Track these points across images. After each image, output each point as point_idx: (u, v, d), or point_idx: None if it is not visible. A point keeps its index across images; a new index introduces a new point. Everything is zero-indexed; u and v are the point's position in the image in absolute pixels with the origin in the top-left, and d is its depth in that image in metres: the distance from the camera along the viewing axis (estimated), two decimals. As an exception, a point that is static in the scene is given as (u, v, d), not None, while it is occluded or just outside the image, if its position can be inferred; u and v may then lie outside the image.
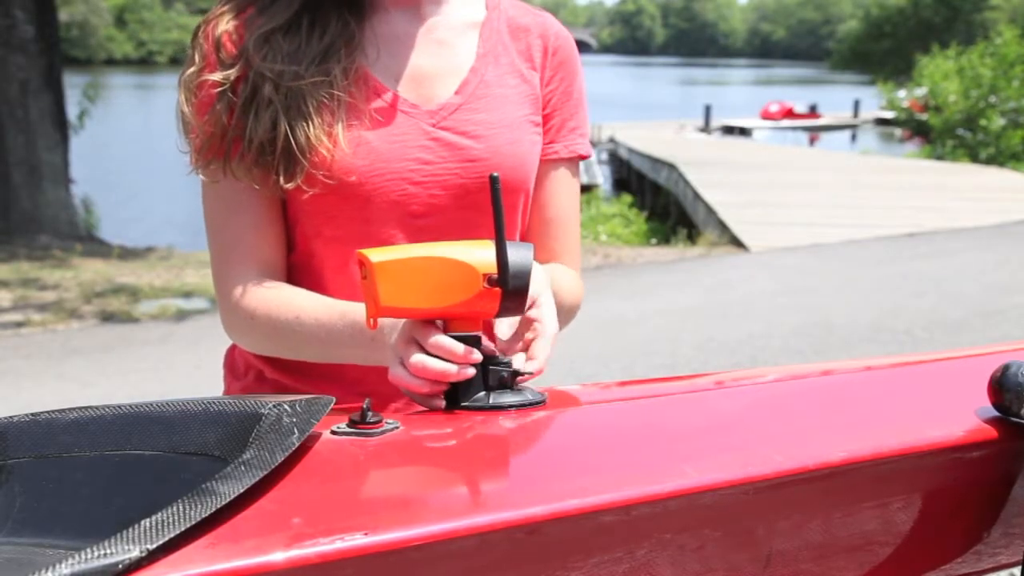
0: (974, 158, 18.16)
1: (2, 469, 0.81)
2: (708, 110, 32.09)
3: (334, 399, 0.86)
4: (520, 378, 0.97)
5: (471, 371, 0.94)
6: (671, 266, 8.72)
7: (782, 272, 8.09)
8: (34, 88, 9.68)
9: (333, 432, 0.85)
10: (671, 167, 15.25)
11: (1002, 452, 0.92)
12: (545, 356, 1.01)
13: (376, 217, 1.14)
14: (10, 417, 0.84)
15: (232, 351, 1.30)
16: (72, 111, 10.56)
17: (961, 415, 0.93)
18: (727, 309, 6.68)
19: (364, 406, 0.86)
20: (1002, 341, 1.37)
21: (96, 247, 9.83)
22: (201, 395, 0.89)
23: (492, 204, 0.93)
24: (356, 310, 1.08)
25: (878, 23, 47.80)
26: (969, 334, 5.73)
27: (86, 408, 0.83)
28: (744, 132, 31.82)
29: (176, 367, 5.28)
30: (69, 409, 0.84)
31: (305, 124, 1.09)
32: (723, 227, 10.14)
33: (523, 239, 1.24)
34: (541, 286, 1.03)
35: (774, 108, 35.19)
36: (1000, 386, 0.90)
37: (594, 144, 24.28)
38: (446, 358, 0.93)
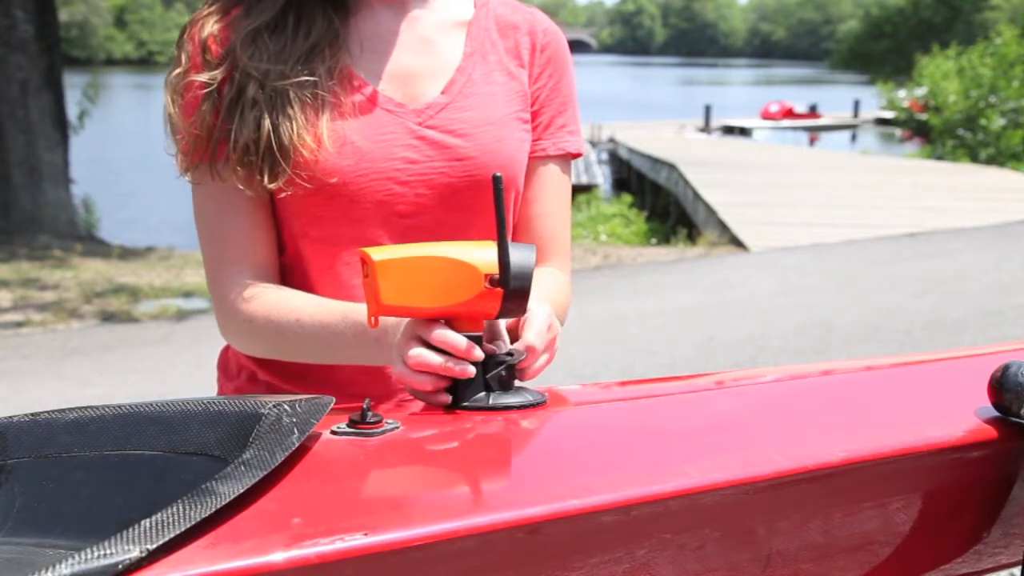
0: (974, 158, 18.15)
1: (2, 469, 0.81)
2: (708, 110, 32.09)
3: (334, 399, 0.86)
4: (519, 364, 0.97)
5: (472, 369, 0.94)
6: (671, 266, 8.72)
7: (782, 272, 8.09)
8: (34, 88, 9.68)
9: (333, 432, 0.85)
10: (671, 167, 15.25)
11: (1002, 452, 0.92)
12: (539, 338, 0.99)
13: (362, 217, 1.13)
14: (10, 417, 0.84)
15: (226, 352, 1.30)
16: (72, 111, 10.56)
17: (961, 415, 0.93)
18: (727, 309, 6.68)
19: (364, 406, 0.86)
20: (1002, 341, 1.37)
21: (96, 247, 9.83)
22: (201, 395, 0.89)
23: (495, 204, 0.93)
24: (358, 311, 1.07)
25: (878, 23, 47.85)
26: (969, 334, 5.73)
27: (86, 408, 0.83)
28: (744, 132, 31.82)
29: (176, 367, 5.28)
30: (69, 409, 0.84)
31: (289, 124, 1.09)
32: (723, 227, 10.14)
33: (512, 238, 1.24)
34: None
35: (774, 108, 35.18)
36: (1000, 386, 0.90)
37: (594, 144, 24.36)
38: (449, 352, 0.93)
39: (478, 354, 0.94)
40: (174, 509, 0.63)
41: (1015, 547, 0.96)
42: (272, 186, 1.10)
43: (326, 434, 0.84)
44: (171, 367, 5.30)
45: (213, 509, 0.64)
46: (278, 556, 0.61)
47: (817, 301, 6.87)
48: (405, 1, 1.20)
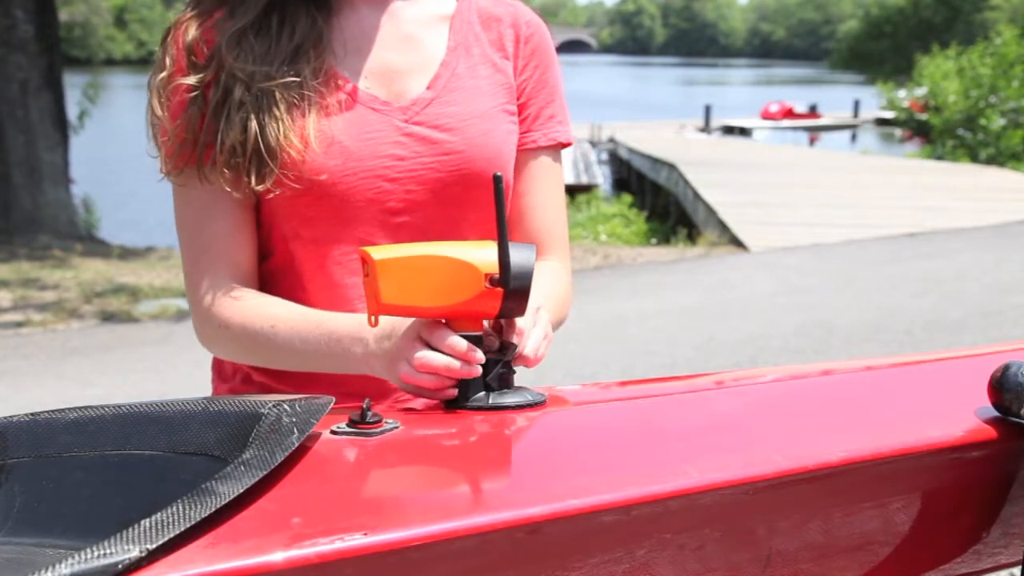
0: (974, 158, 18.15)
1: (2, 469, 0.81)
2: (708, 110, 32.10)
3: (333, 399, 0.86)
4: (515, 356, 0.97)
5: (478, 369, 0.94)
6: (671, 266, 8.72)
7: (782, 272, 8.09)
8: (34, 88, 9.68)
9: (333, 432, 0.85)
10: (671, 167, 15.25)
11: (1002, 452, 0.92)
12: (530, 330, 0.99)
13: (353, 216, 1.13)
14: (10, 417, 0.84)
15: None
16: (72, 111, 10.56)
17: (961, 415, 0.93)
18: (727, 309, 6.68)
19: (364, 406, 0.86)
20: (1002, 341, 1.37)
21: (96, 247, 9.83)
22: (201, 395, 0.89)
23: (495, 204, 0.93)
24: (333, 320, 1.08)
25: (878, 23, 47.82)
26: (969, 334, 5.73)
27: (86, 408, 0.83)
28: (744, 132, 31.83)
29: (176, 367, 5.28)
30: (69, 409, 0.84)
31: (275, 125, 1.09)
32: (723, 227, 10.14)
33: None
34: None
35: (774, 108, 35.20)
36: (1000, 386, 0.90)
37: (594, 144, 24.36)
38: (453, 356, 0.94)
39: (479, 356, 0.94)
40: (174, 509, 0.63)
41: (1015, 547, 0.96)
42: (259, 188, 1.09)
43: (326, 434, 0.84)
44: (171, 367, 5.30)
45: (213, 509, 0.64)
46: (278, 556, 0.61)
47: (817, 301, 6.87)
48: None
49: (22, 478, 0.80)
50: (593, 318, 6.18)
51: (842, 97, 42.34)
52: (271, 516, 0.67)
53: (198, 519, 0.62)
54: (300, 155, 1.09)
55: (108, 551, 0.58)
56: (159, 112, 1.12)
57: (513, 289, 0.93)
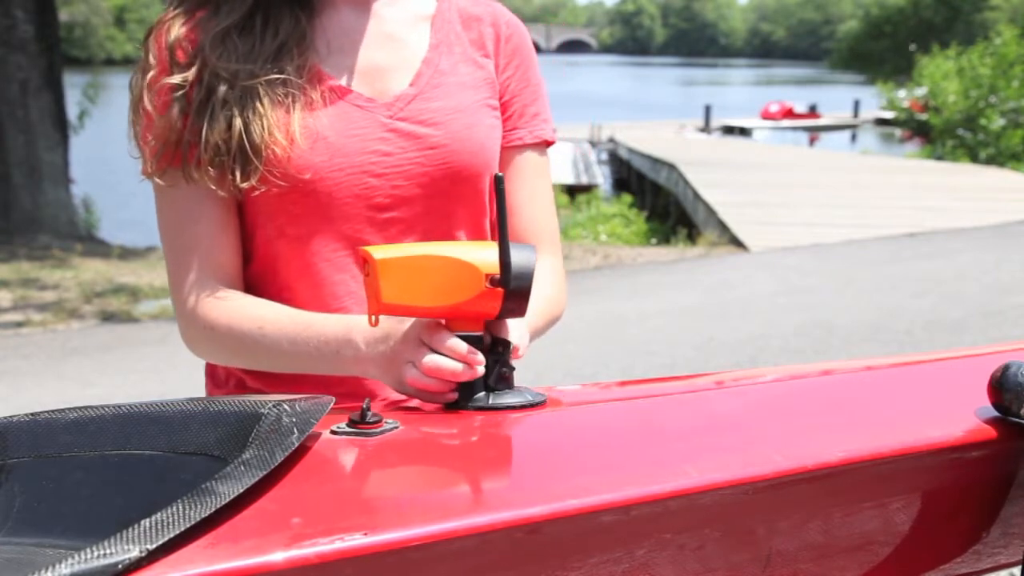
0: (974, 158, 18.14)
1: (2, 469, 0.81)
2: (708, 110, 32.10)
3: (333, 399, 0.86)
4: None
5: (481, 370, 0.94)
6: (671, 266, 8.72)
7: (782, 272, 8.09)
8: (34, 88, 9.68)
9: (333, 432, 0.85)
10: (671, 167, 15.25)
11: (1002, 452, 0.92)
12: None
13: (340, 213, 1.13)
14: (10, 417, 0.84)
15: None
16: (72, 111, 10.55)
17: (961, 415, 0.93)
18: (727, 309, 6.68)
19: (364, 406, 0.86)
20: (1002, 341, 1.37)
21: (96, 247, 9.83)
22: (201, 395, 0.89)
23: (496, 205, 0.93)
24: (322, 321, 1.07)
25: (878, 23, 47.82)
26: (969, 334, 5.73)
27: (86, 408, 0.83)
28: (744, 132, 31.83)
29: (176, 367, 5.28)
30: (69, 409, 0.84)
31: (260, 122, 1.09)
32: (723, 227, 10.14)
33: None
34: None
35: (774, 108, 35.21)
36: (1000, 386, 0.90)
37: (594, 144, 24.36)
38: (455, 358, 0.94)
39: (480, 358, 0.94)
40: (174, 509, 0.63)
41: (1015, 547, 0.96)
42: (245, 185, 1.09)
43: (326, 434, 0.84)
44: (171, 367, 5.30)
45: (213, 509, 0.64)
46: (278, 556, 0.61)
47: (817, 301, 6.87)
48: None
49: (22, 478, 0.80)
50: (593, 318, 6.18)
51: (842, 97, 42.34)
52: (271, 516, 0.67)
53: (198, 519, 0.62)
54: (285, 152, 1.09)
55: (108, 551, 0.58)
56: (141, 112, 1.12)
57: (514, 289, 0.94)
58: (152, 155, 1.11)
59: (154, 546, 0.59)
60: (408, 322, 0.99)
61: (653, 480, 0.76)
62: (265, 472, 0.70)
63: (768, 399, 1.04)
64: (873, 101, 32.70)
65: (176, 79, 1.10)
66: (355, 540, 0.63)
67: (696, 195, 12.38)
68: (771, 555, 0.83)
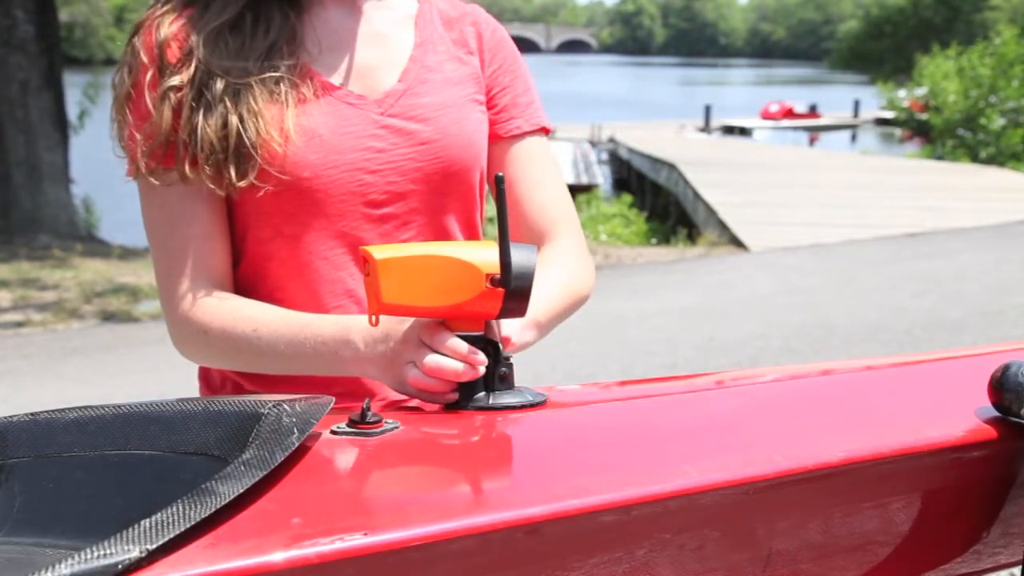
0: (974, 158, 18.15)
1: (2, 469, 0.81)
2: (708, 110, 32.11)
3: (334, 399, 0.86)
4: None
5: (481, 370, 0.94)
6: (671, 266, 8.72)
7: (782, 272, 8.09)
8: (34, 88, 9.68)
9: (333, 432, 0.85)
10: (671, 167, 15.25)
11: (1002, 452, 0.92)
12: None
13: (336, 210, 1.14)
14: (10, 417, 0.84)
15: None
16: (72, 111, 10.55)
17: (961, 415, 0.93)
18: (727, 309, 6.68)
19: (364, 406, 0.86)
20: (1002, 341, 1.37)
21: (96, 247, 9.83)
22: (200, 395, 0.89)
23: (497, 205, 0.93)
24: (318, 322, 1.07)
25: (878, 23, 47.85)
26: (969, 334, 5.73)
27: (86, 408, 0.83)
28: (744, 132, 31.84)
29: (176, 367, 5.25)
30: (69, 409, 0.84)
31: (255, 120, 1.08)
32: (723, 227, 10.14)
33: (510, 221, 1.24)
34: None
35: (774, 108, 35.22)
36: (1000, 386, 0.90)
37: (594, 144, 24.37)
38: (456, 358, 0.94)
39: (480, 358, 0.95)
40: (174, 509, 0.63)
41: (1015, 547, 0.96)
42: (241, 184, 1.08)
43: (326, 434, 0.84)
44: (171, 367, 5.28)
45: (213, 509, 0.64)
46: (278, 556, 0.61)
47: (817, 301, 6.87)
48: None
49: (22, 478, 0.80)
50: (593, 318, 6.18)
51: (842, 97, 42.35)
52: (271, 516, 0.66)
53: (198, 519, 0.62)
54: (281, 149, 1.09)
55: (108, 551, 0.58)
56: (129, 111, 1.11)
57: (514, 289, 0.93)
58: (142, 155, 1.10)
59: (154, 546, 0.59)
60: (407, 322, 0.99)
61: (653, 480, 0.76)
62: (265, 472, 0.70)
63: (768, 399, 1.04)
64: (873, 101, 32.73)
65: (168, 77, 1.10)
66: (355, 540, 0.63)
67: (696, 195, 12.38)
68: (771, 555, 0.83)
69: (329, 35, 1.18)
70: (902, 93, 24.36)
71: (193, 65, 1.10)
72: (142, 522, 0.61)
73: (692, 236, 11.11)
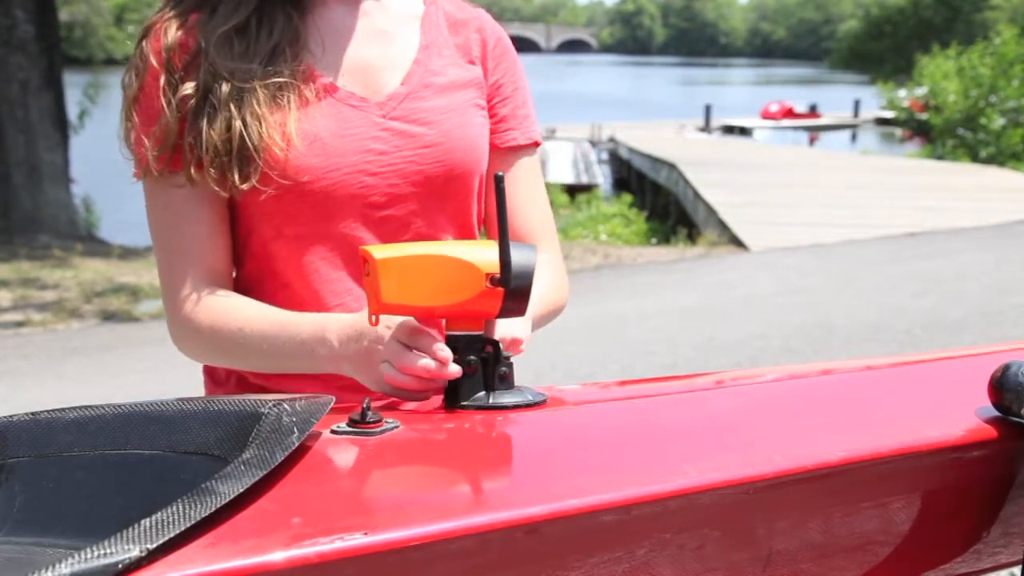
0: (974, 158, 18.14)
1: (2, 469, 0.81)
2: (708, 110, 32.12)
3: (334, 398, 0.86)
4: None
5: (455, 368, 0.94)
6: (671, 266, 8.72)
7: (782, 272, 8.09)
8: (34, 88, 9.68)
9: (333, 431, 0.85)
10: (671, 167, 15.25)
11: (1002, 452, 0.92)
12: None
13: (337, 212, 1.14)
14: (10, 417, 0.84)
15: None
16: (72, 111, 10.55)
17: (961, 415, 0.93)
18: (727, 309, 6.68)
19: (364, 405, 0.86)
20: (1002, 341, 1.37)
21: (96, 247, 9.83)
22: (201, 395, 0.89)
23: (497, 205, 0.93)
24: (295, 322, 1.08)
25: (878, 23, 47.85)
26: (969, 334, 5.73)
27: (86, 408, 0.83)
28: (744, 132, 31.84)
29: (176, 367, 5.25)
30: (69, 409, 0.84)
31: (258, 124, 1.09)
32: (723, 227, 10.14)
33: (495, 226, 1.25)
34: None
35: (774, 108, 35.23)
36: (1000, 386, 0.90)
37: (594, 144, 24.37)
38: (430, 356, 0.95)
39: (446, 354, 0.94)
40: (174, 509, 0.63)
41: (1015, 547, 0.96)
42: (244, 186, 1.10)
43: (326, 433, 0.84)
44: (171, 367, 5.29)
45: (213, 509, 0.64)
46: (278, 556, 0.61)
47: (817, 301, 6.87)
48: None
49: (22, 478, 0.80)
50: (593, 318, 6.18)
51: (842, 97, 42.34)
52: (271, 516, 0.67)
53: (198, 519, 0.62)
54: (283, 152, 1.10)
55: (108, 551, 0.58)
56: (137, 114, 1.12)
57: (514, 289, 0.94)
58: (151, 157, 1.11)
59: (154, 546, 0.59)
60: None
61: (653, 480, 0.76)
62: (265, 472, 0.70)
63: (768, 399, 1.04)
64: (873, 101, 32.72)
65: (176, 82, 1.11)
66: (355, 540, 0.63)
67: (696, 195, 12.38)
68: (771, 555, 0.83)
69: (332, 34, 1.18)
70: (902, 93, 24.35)
71: (200, 70, 1.11)
72: (142, 522, 0.61)
73: (692, 236, 11.11)
